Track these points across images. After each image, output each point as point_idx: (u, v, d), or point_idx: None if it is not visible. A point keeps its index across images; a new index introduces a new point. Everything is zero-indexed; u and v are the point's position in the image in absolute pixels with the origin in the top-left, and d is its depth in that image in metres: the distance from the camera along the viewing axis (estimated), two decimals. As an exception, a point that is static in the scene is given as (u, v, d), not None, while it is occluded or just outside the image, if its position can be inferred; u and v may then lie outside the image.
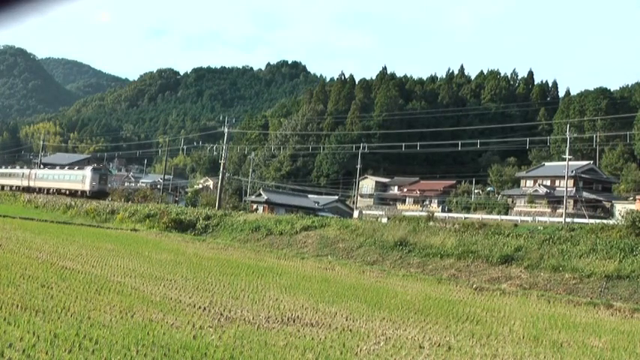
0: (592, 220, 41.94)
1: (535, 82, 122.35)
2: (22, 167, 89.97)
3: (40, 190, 74.44)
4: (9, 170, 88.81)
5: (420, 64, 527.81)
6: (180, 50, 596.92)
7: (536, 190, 68.54)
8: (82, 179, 69.83)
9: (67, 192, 69.58)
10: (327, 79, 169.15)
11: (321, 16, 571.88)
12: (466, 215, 55.50)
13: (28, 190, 74.85)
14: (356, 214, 60.97)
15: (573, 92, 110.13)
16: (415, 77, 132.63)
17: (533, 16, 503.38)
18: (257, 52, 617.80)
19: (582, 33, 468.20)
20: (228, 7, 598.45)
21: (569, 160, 53.31)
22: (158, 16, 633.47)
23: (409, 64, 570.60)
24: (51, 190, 72.59)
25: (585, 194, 65.02)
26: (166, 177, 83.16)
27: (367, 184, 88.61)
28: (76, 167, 78.53)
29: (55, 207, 58.91)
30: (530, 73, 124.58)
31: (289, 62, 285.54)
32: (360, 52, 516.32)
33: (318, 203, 68.44)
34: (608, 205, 64.50)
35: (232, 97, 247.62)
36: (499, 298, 22.25)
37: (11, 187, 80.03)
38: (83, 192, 68.65)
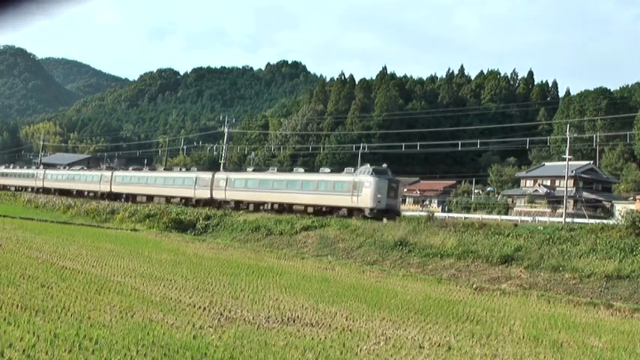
0: (592, 220, 41.95)
1: (535, 82, 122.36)
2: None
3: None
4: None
5: (420, 64, 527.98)
6: (182, 51, 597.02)
7: (536, 190, 68.56)
8: (332, 187, 41.51)
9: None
10: (327, 79, 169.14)
11: (325, 16, 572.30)
12: (466, 215, 55.51)
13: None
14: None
15: (573, 92, 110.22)
16: (415, 77, 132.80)
17: (533, 16, 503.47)
18: (260, 52, 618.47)
19: (582, 33, 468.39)
20: (232, 6, 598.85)
21: (569, 160, 53.34)
22: (160, 17, 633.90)
23: (409, 64, 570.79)
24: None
25: (585, 194, 65.04)
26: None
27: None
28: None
29: (54, 207, 58.92)
30: (530, 73, 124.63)
31: (289, 62, 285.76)
32: (361, 52, 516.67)
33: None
34: (608, 205, 64.54)
35: (232, 97, 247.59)
36: (499, 298, 22.24)
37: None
38: (287, 206, 44.13)
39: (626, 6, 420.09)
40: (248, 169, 50.93)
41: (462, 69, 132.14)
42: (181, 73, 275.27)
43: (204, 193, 50.12)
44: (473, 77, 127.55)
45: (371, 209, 38.41)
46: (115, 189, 60.15)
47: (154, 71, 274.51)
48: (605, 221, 37.86)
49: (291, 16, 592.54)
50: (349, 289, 20.38)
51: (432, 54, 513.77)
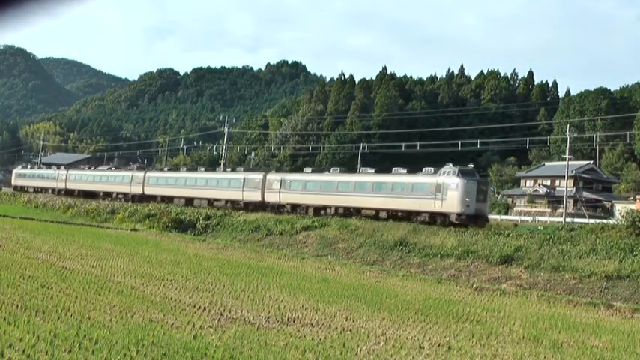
0: (592, 220, 41.98)
1: (535, 82, 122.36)
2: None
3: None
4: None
5: (420, 64, 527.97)
6: (182, 51, 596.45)
7: (536, 190, 68.56)
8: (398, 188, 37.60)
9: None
10: (327, 79, 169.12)
11: (325, 16, 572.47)
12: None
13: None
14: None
15: (573, 92, 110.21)
16: (415, 77, 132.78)
17: (534, 16, 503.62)
18: (260, 52, 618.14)
19: (583, 33, 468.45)
20: (232, 7, 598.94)
21: (569, 160, 53.34)
22: (160, 17, 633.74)
23: (409, 64, 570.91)
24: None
25: (585, 194, 65.04)
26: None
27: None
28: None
29: (54, 207, 58.89)
30: (530, 73, 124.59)
31: (289, 62, 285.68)
32: (361, 52, 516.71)
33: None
34: (608, 205, 64.53)
35: (232, 97, 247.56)
36: (499, 298, 22.25)
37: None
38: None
39: (627, 6, 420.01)
40: (306, 170, 46.06)
41: (462, 69, 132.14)
42: (181, 73, 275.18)
43: (253, 196, 45.69)
44: (473, 77, 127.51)
45: (458, 215, 33.77)
46: (149, 191, 55.14)
47: (154, 71, 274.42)
48: (605, 221, 37.89)
49: (292, 16, 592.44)
50: (349, 289, 20.39)
51: (432, 54, 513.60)
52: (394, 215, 37.30)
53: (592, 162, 75.21)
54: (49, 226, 39.99)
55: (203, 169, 60.05)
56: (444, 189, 34.47)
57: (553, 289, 25.16)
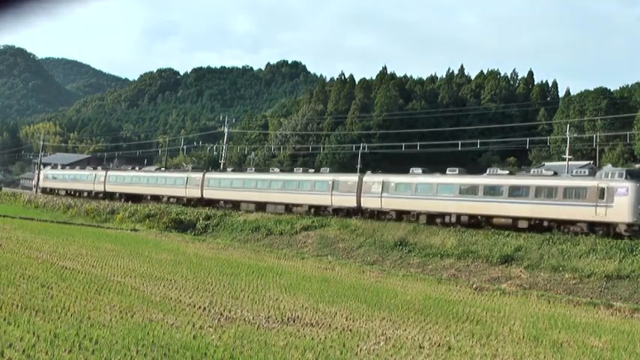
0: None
1: (535, 82, 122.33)
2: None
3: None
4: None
5: (420, 64, 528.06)
6: (183, 51, 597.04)
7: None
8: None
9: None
10: (327, 79, 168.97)
11: (325, 16, 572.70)
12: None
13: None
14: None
15: (573, 92, 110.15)
16: (415, 77, 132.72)
17: (534, 16, 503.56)
18: (261, 53, 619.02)
19: (583, 33, 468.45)
20: (233, 7, 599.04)
21: (569, 160, 53.34)
22: (161, 17, 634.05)
23: (409, 64, 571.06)
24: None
25: (585, 194, 64.81)
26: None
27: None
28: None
29: (55, 207, 58.87)
30: (530, 73, 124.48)
31: (289, 62, 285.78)
32: (361, 52, 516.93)
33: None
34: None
35: (232, 97, 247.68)
36: (499, 298, 22.25)
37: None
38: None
39: (627, 6, 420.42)
40: (414, 170, 39.70)
41: (462, 69, 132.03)
42: (181, 73, 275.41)
43: (346, 201, 40.35)
44: (473, 77, 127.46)
45: (629, 225, 28.38)
46: (209, 194, 49.99)
47: (154, 71, 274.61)
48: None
49: (292, 17, 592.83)
50: (349, 289, 20.39)
51: (432, 54, 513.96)
52: (537, 225, 31.46)
53: (592, 162, 75.17)
54: (49, 226, 39.98)
55: (277, 169, 54.12)
56: (610, 194, 28.87)
57: (553, 289, 25.17)
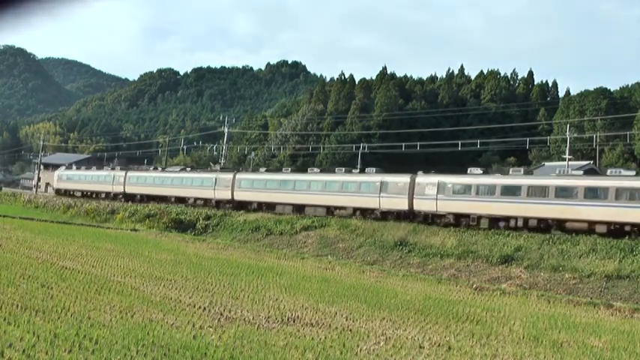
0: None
1: (535, 82, 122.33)
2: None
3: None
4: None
5: (420, 64, 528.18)
6: (184, 51, 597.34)
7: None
8: None
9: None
10: (327, 79, 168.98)
11: (326, 16, 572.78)
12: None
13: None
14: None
15: (573, 92, 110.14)
16: (415, 77, 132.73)
17: (534, 16, 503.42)
18: (262, 53, 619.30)
19: (584, 33, 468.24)
20: (234, 7, 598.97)
21: (569, 160, 53.32)
22: (162, 17, 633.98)
23: (409, 64, 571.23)
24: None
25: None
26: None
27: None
28: None
29: (55, 207, 58.85)
30: (530, 73, 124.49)
31: (289, 62, 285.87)
32: (361, 52, 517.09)
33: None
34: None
35: (232, 97, 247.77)
36: (499, 298, 22.25)
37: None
38: None
39: (628, 7, 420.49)
40: (472, 170, 37.00)
41: (462, 69, 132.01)
42: (181, 73, 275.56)
43: (396, 203, 37.57)
44: (473, 77, 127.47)
45: None
46: (240, 196, 47.20)
47: (154, 71, 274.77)
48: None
49: (292, 17, 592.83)
50: (349, 289, 20.39)
51: (432, 54, 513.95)
52: (617, 231, 28.69)
53: (592, 162, 75.14)
54: (49, 226, 39.98)
55: (316, 169, 50.02)
56: None
57: (553, 289, 25.17)
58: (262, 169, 53.51)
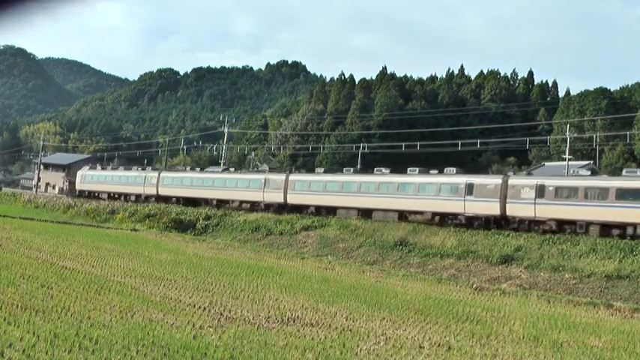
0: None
1: (535, 82, 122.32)
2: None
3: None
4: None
5: (420, 64, 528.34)
6: (184, 51, 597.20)
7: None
8: None
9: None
10: (327, 79, 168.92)
11: (326, 16, 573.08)
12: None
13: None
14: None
15: (573, 92, 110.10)
16: (415, 77, 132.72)
17: (534, 16, 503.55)
18: (262, 53, 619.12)
19: (584, 33, 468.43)
20: (235, 7, 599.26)
21: (569, 160, 53.29)
22: (162, 17, 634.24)
23: (409, 64, 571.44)
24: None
25: (585, 194, 64.67)
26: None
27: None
28: None
29: (55, 207, 58.83)
30: (530, 73, 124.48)
31: (289, 62, 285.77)
32: (361, 52, 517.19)
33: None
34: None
35: (232, 97, 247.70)
36: (499, 298, 22.25)
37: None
38: None
39: (628, 7, 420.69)
40: (578, 171, 32.98)
41: (462, 69, 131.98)
42: (181, 73, 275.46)
43: (485, 207, 33.95)
44: (473, 77, 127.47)
45: None
46: (295, 199, 43.56)
47: (154, 71, 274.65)
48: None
49: (293, 17, 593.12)
50: (349, 289, 20.39)
51: (432, 54, 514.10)
52: None
53: (592, 162, 75.10)
54: (49, 226, 39.97)
55: (384, 169, 43.48)
56: None
57: (553, 289, 25.17)
58: (319, 170, 50.04)
